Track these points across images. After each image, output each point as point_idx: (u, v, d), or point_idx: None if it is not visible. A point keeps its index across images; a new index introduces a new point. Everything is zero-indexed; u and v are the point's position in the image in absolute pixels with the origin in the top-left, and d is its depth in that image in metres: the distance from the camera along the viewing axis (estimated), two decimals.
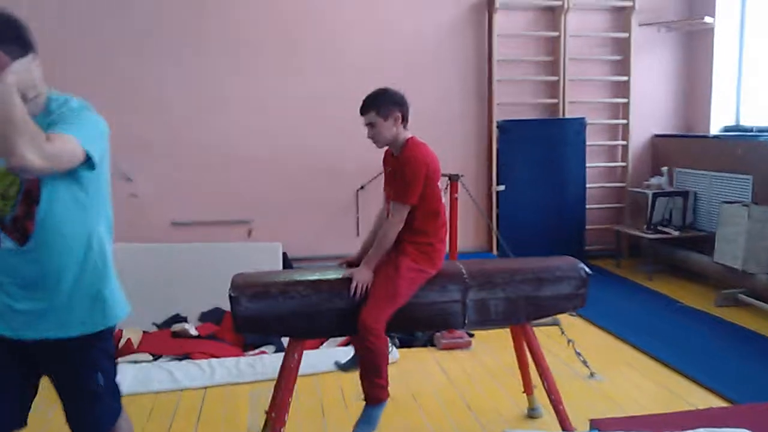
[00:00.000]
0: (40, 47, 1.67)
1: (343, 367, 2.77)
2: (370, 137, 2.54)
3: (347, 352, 3.65)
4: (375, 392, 2.45)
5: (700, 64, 5.85)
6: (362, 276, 2.40)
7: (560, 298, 2.59)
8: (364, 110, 2.52)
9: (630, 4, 5.74)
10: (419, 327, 3.10)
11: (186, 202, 5.40)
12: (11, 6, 1.81)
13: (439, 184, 2.55)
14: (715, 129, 5.73)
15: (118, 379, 1.88)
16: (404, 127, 2.54)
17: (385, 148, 2.64)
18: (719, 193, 5.18)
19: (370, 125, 2.51)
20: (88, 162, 1.58)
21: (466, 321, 2.53)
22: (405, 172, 2.44)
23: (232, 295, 2.32)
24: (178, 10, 5.23)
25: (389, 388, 2.46)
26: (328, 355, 3.62)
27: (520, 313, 2.57)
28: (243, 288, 2.36)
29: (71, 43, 5.09)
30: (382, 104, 2.49)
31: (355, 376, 3.20)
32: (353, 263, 2.56)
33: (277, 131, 5.45)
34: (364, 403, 2.46)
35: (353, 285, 2.39)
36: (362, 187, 5.48)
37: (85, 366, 1.76)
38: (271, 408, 2.42)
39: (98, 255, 1.75)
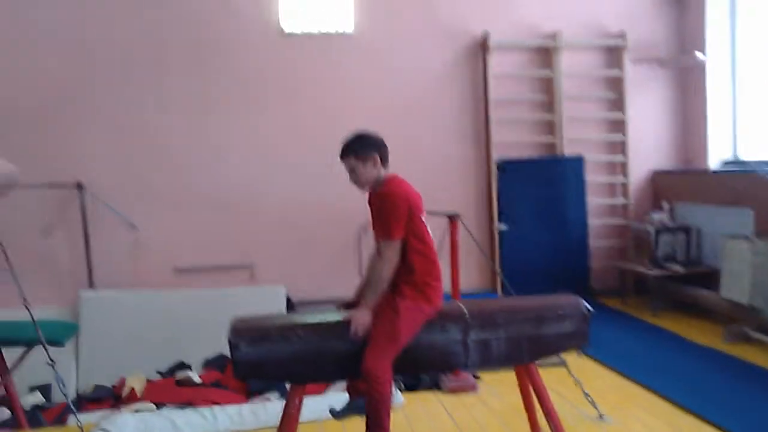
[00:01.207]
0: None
1: (337, 415, 2.71)
2: (352, 181, 2.56)
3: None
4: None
5: (695, 99, 5.93)
6: (362, 318, 2.38)
7: (563, 336, 2.56)
8: (343, 156, 2.55)
9: (622, 42, 5.86)
10: (421, 369, 3.06)
11: (189, 248, 5.42)
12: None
13: (423, 219, 2.53)
14: (713, 163, 5.76)
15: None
16: (384, 167, 2.57)
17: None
18: (721, 227, 5.15)
19: (350, 170, 2.54)
20: None
21: (469, 362, 2.50)
22: (386, 207, 2.44)
23: (231, 340, 2.31)
24: (183, 62, 5.39)
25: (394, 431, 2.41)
26: (331, 402, 3.58)
27: (523, 353, 2.54)
28: (242, 332, 2.34)
29: (84, 92, 5.25)
30: (359, 148, 2.52)
31: (359, 424, 3.17)
32: (351, 305, 2.55)
33: (278, 176, 5.51)
34: None
35: (353, 328, 2.37)
36: (364, 228, 5.50)
37: None
38: None
39: None
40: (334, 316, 2.50)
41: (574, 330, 2.56)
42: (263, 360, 2.36)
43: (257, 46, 5.47)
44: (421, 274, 2.49)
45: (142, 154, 5.36)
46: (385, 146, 2.59)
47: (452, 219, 3.89)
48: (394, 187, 2.49)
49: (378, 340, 2.37)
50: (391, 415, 3.17)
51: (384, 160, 2.57)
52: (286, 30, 5.48)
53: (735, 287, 4.55)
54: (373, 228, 2.63)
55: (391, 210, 2.43)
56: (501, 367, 2.95)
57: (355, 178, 2.55)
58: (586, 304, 2.59)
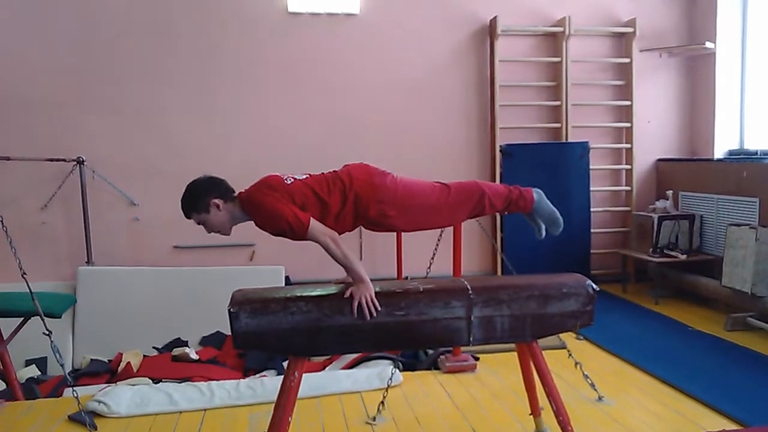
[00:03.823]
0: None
1: None
2: (211, 233, 2.46)
3: (350, 376, 3.60)
4: (519, 204, 2.73)
5: (703, 88, 5.87)
6: (361, 289, 2.32)
7: (567, 315, 2.52)
8: (187, 217, 2.45)
9: (631, 30, 5.79)
10: (423, 344, 3.04)
11: (188, 226, 5.33)
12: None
13: (294, 183, 2.41)
14: (719, 153, 5.72)
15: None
16: (230, 199, 2.43)
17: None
18: (726, 216, 5.14)
19: (202, 224, 2.44)
20: None
21: (472, 338, 2.47)
22: (275, 221, 2.32)
23: (232, 310, 2.27)
24: (186, 39, 5.33)
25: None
26: (330, 378, 3.56)
27: (527, 331, 2.50)
28: (242, 303, 2.30)
29: (87, 70, 5.20)
30: (195, 203, 2.40)
31: (356, 399, 3.16)
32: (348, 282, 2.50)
33: (279, 155, 5.46)
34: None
35: (355, 303, 2.31)
36: None
37: None
38: (270, 428, 2.35)
39: None
40: (336, 289, 2.46)
41: (578, 309, 2.52)
42: (263, 331, 2.32)
43: (261, 24, 5.40)
44: (359, 200, 2.43)
45: (143, 131, 5.32)
46: (217, 183, 2.44)
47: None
48: (260, 203, 2.35)
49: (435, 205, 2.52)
50: (389, 392, 3.18)
51: (226, 195, 2.42)
52: (291, 8, 5.41)
53: (737, 275, 4.53)
54: (291, 239, 2.48)
55: (280, 218, 2.30)
56: (504, 343, 2.91)
57: (211, 228, 2.44)
58: (592, 284, 2.55)
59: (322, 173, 2.52)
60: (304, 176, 2.48)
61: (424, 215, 2.55)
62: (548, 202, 2.75)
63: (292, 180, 2.43)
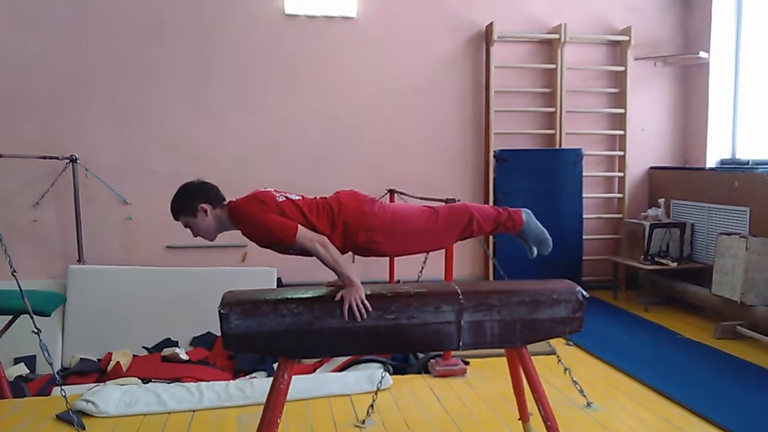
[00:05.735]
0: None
1: None
2: (196, 237, 2.48)
3: (340, 378, 3.60)
4: (508, 226, 2.70)
5: (696, 97, 5.92)
6: (352, 292, 2.32)
7: (557, 321, 2.53)
8: (175, 218, 2.48)
9: (626, 38, 5.83)
10: (414, 348, 3.04)
11: (181, 226, 5.35)
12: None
13: (285, 200, 2.40)
14: (711, 162, 5.76)
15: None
16: (218, 206, 2.44)
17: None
18: (717, 225, 5.17)
19: (188, 227, 2.46)
20: None
21: (461, 343, 2.47)
22: (260, 231, 2.34)
23: (222, 311, 2.27)
24: (186, 46, 5.34)
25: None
26: (319, 381, 3.56)
27: (516, 336, 2.51)
28: (233, 305, 2.30)
29: (82, 70, 5.19)
30: (184, 206, 2.43)
31: (345, 402, 3.15)
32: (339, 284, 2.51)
33: (274, 157, 5.47)
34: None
35: (346, 305, 2.31)
36: None
37: None
38: (259, 429, 2.34)
39: None
40: (327, 291, 2.46)
41: (568, 315, 2.53)
42: (253, 333, 2.32)
43: (258, 26, 5.40)
44: (350, 226, 2.43)
45: (137, 131, 5.31)
46: (208, 189, 2.46)
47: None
48: (247, 214, 2.35)
49: (423, 232, 2.52)
50: (379, 395, 3.19)
51: (215, 202, 2.44)
52: (288, 10, 5.42)
53: (727, 284, 4.56)
54: (278, 251, 2.50)
55: (267, 228, 2.31)
56: (494, 348, 2.92)
57: (197, 232, 2.46)
58: (582, 290, 2.57)
59: (314, 198, 2.52)
60: (297, 197, 2.47)
61: (412, 241, 2.56)
62: (537, 222, 2.77)
63: (284, 198, 2.43)
